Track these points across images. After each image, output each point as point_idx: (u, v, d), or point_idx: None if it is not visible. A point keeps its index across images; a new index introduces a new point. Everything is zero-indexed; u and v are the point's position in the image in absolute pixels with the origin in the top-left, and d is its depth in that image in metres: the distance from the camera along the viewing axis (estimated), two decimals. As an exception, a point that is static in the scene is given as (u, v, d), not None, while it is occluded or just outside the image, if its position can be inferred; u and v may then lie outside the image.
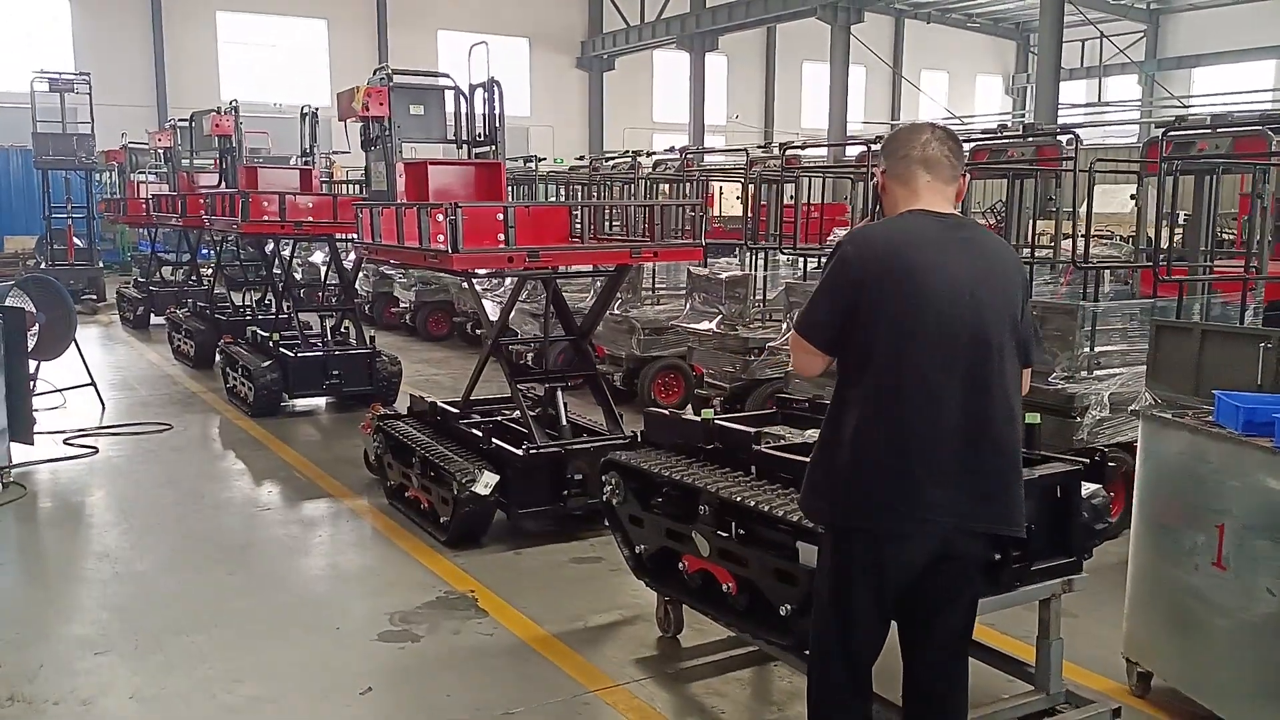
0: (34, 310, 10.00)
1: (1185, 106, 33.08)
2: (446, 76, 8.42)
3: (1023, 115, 43.82)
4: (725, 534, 4.19)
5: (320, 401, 10.63)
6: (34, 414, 9.70)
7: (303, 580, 6.13)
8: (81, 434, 9.38)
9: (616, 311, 10.19)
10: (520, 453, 6.34)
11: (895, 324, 2.93)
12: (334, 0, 34.57)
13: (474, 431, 6.89)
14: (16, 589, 6.02)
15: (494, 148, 8.01)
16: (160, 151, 15.08)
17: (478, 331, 13.96)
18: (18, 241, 25.07)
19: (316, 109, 11.48)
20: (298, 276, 14.91)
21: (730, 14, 32.29)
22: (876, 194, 3.27)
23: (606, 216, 11.89)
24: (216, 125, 10.90)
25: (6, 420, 7.86)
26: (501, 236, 6.15)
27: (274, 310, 12.80)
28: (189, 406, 10.75)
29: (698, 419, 4.69)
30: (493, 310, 13.16)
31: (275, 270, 12.17)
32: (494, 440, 6.59)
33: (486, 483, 6.30)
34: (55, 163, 18.36)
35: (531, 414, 6.68)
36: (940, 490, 2.91)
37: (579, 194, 14.14)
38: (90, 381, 10.58)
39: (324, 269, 17.22)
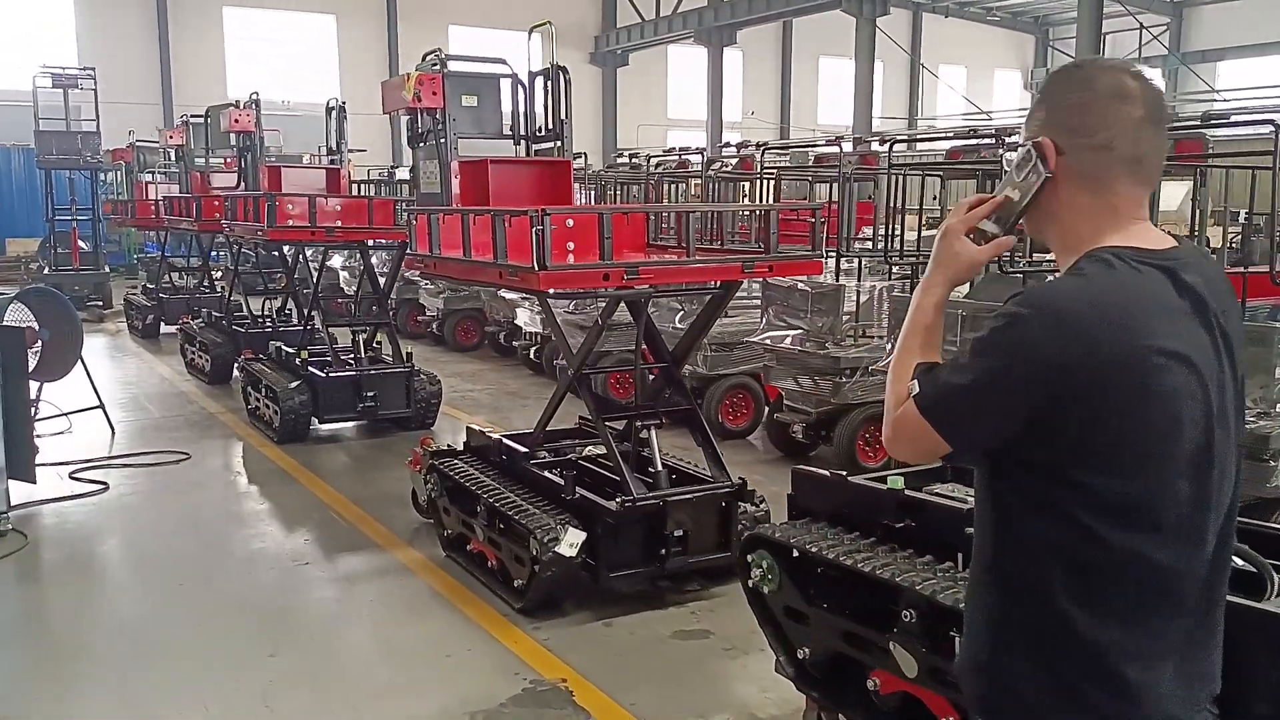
0: (36, 326, 8.99)
1: (1215, 100, 32.07)
2: (503, 63, 7.39)
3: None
4: (938, 652, 3.16)
5: (349, 423, 9.58)
6: (36, 444, 8.69)
7: (359, 661, 5.08)
8: (89, 466, 8.34)
9: (678, 324, 9.14)
10: (613, 506, 5.30)
11: (1130, 456, 1.76)
12: (342, -5, 33.57)
13: (549, 475, 5.85)
14: (18, 675, 4.98)
15: (558, 144, 6.99)
16: (171, 150, 14.01)
17: (514, 343, 12.92)
18: (20, 244, 24.04)
19: (344, 102, 10.43)
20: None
21: (750, 7, 31.21)
22: (1028, 195, 1.91)
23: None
24: (235, 121, 9.87)
25: (4, 456, 6.81)
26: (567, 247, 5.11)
27: (297, 321, 11.79)
28: (207, 430, 9.70)
29: (881, 486, 3.65)
30: (527, 319, 12.17)
31: (297, 277, 11.15)
32: (578, 489, 5.54)
33: (572, 542, 5.27)
34: (59, 162, 17.30)
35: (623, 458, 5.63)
36: (1170, 682, 1.82)
37: (618, 196, 13.08)
38: (98, 404, 9.54)
39: (343, 274, 16.22)
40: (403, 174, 17.86)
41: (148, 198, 15.53)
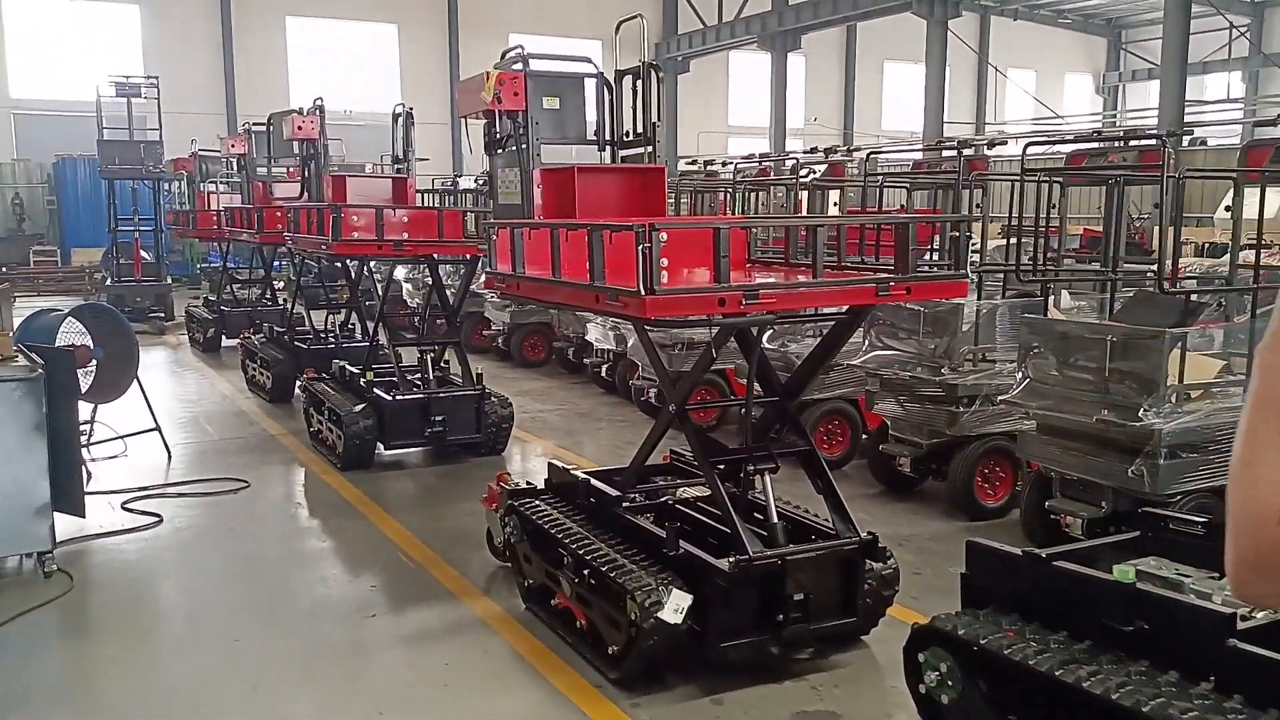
0: (91, 344, 8.49)
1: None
2: (587, 61, 6.70)
3: (1114, 116, 41.42)
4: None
5: (415, 449, 8.93)
6: (89, 469, 8.17)
7: (434, 745, 4.40)
8: (143, 494, 7.78)
9: (769, 345, 8.38)
10: (726, 566, 4.56)
11: None
12: (404, 5, 33.33)
13: (647, 525, 5.13)
14: (49, 753, 4.36)
15: (649, 149, 6.27)
16: (233, 159, 13.54)
17: (584, 360, 12.23)
18: (85, 254, 23.91)
19: (410, 109, 9.82)
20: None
21: (816, 10, 30.36)
22: None
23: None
24: (299, 128, 9.28)
25: (49, 490, 6.24)
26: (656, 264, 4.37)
27: (360, 336, 11.21)
28: (267, 454, 9.12)
29: (1103, 576, 2.87)
30: (598, 335, 11.46)
31: (360, 289, 10.58)
32: (682, 543, 4.80)
33: (677, 606, 4.54)
34: (121, 172, 16.96)
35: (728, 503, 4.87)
36: None
37: (698, 206, 12.35)
38: (155, 426, 9.00)
39: (406, 286, 15.67)
40: (466, 183, 17.29)
41: (209, 208, 15.09)
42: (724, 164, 12.65)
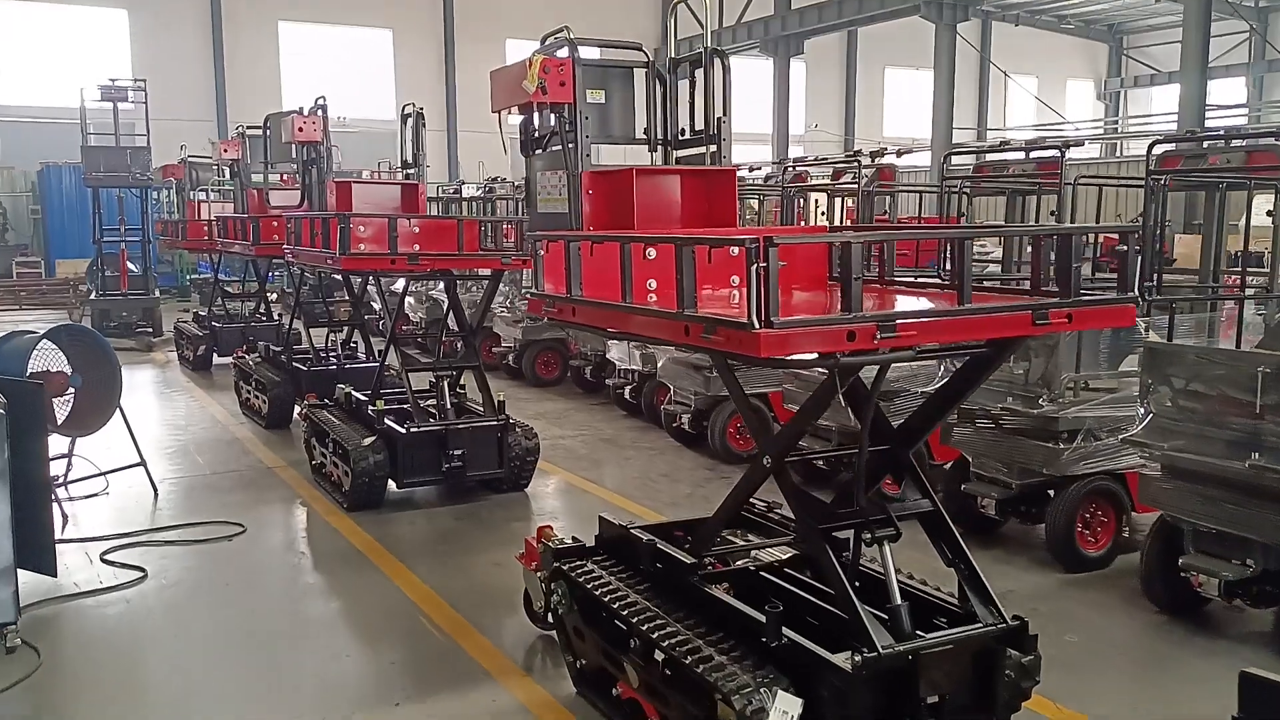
0: (68, 371, 7.53)
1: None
2: (636, 49, 5.79)
3: (1115, 121, 40.71)
4: None
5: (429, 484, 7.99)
6: (64, 511, 7.23)
7: None
8: (125, 541, 6.82)
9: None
10: (846, 665, 3.63)
11: None
12: (399, 9, 32.48)
13: (735, 602, 4.20)
14: None
15: (713, 149, 5.36)
16: (225, 165, 12.58)
17: (606, 380, 11.29)
18: (69, 266, 22.88)
19: (421, 109, 8.90)
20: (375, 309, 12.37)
21: (820, 15, 29.57)
22: None
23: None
24: (300, 130, 8.33)
25: (11, 549, 5.28)
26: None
27: (365, 356, 10.27)
28: (264, 490, 8.16)
29: None
30: (621, 354, 10.53)
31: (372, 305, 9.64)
32: (785, 631, 3.87)
33: (785, 710, 3.62)
34: (107, 180, 15.96)
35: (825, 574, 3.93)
36: None
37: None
38: (139, 460, 8.04)
39: (409, 300, 14.72)
40: (469, 190, 16.35)
41: (200, 217, 14.12)
42: (783, 167, 11.78)
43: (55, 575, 5.83)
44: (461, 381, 8.23)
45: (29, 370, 7.31)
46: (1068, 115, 39.02)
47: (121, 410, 7.83)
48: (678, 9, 5.94)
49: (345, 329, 10.56)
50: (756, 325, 3.17)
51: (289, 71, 31.01)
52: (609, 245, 4.06)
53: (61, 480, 7.73)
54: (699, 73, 5.60)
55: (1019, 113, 40.17)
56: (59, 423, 7.55)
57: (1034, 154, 8.00)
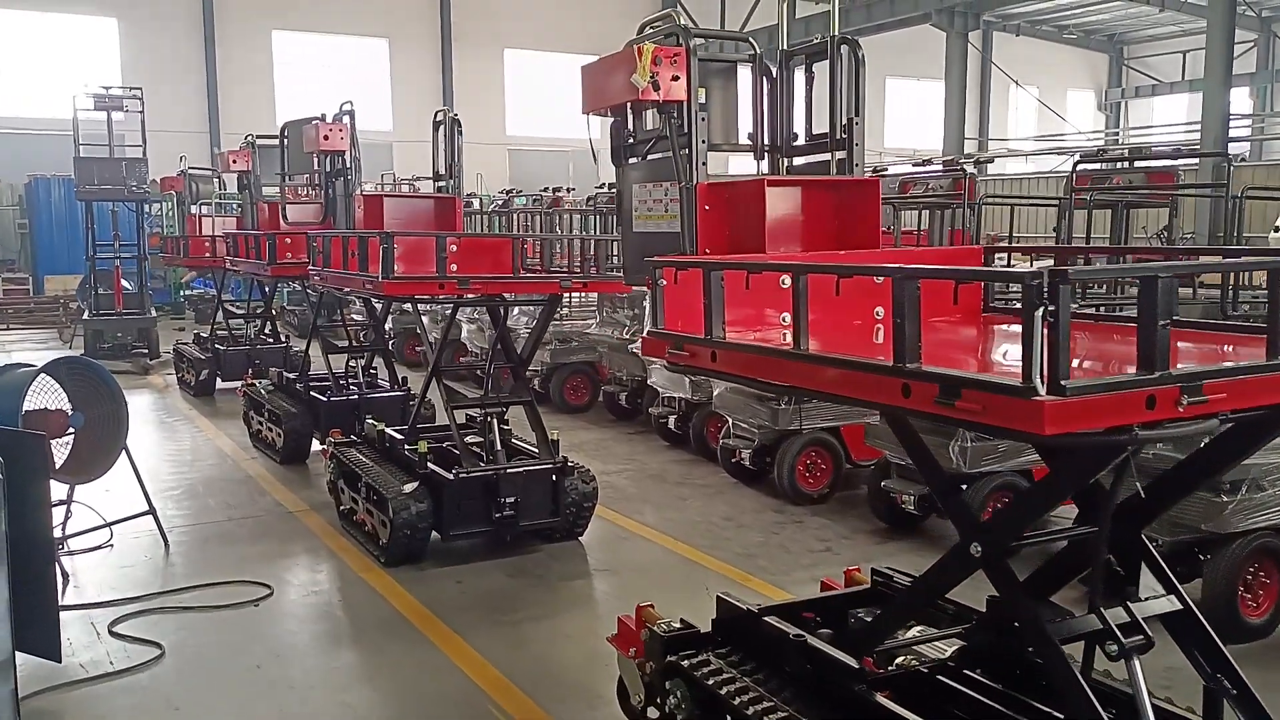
0: (68, 409, 6.65)
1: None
2: (744, 41, 4.97)
3: (1116, 133, 40.16)
4: None
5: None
6: (64, 569, 6.33)
7: None
8: (135, 609, 5.91)
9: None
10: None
11: None
12: (395, 19, 31.62)
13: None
14: None
15: (842, 156, 4.53)
16: (233, 177, 11.67)
17: (649, 409, 10.40)
18: (59, 282, 21.87)
19: (455, 115, 8.04)
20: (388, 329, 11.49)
21: (826, 25, 28.70)
22: None
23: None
24: (324, 138, 7.45)
25: (10, 638, 4.38)
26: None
27: (388, 384, 9.37)
28: (288, 540, 7.26)
29: None
30: (665, 381, 9.68)
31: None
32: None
33: None
34: (101, 192, 14.98)
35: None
36: None
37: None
38: (149, 508, 7.13)
39: (424, 319, 13.84)
40: (520, 202, 15.43)
41: (201, 233, 13.20)
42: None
43: (59, 660, 4.92)
44: (505, 416, 7.36)
45: (24, 409, 6.43)
46: (1067, 126, 38.49)
47: (128, 451, 6.95)
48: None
49: (367, 354, 9.66)
50: (1041, 391, 2.31)
51: (283, 82, 30.11)
52: (814, 279, 3.17)
53: (60, 535, 6.81)
54: (817, 66, 4.79)
55: (1022, 123, 39.63)
56: (57, 467, 6.66)
57: (1139, 163, 7.22)
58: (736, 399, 8.25)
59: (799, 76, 4.89)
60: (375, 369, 9.86)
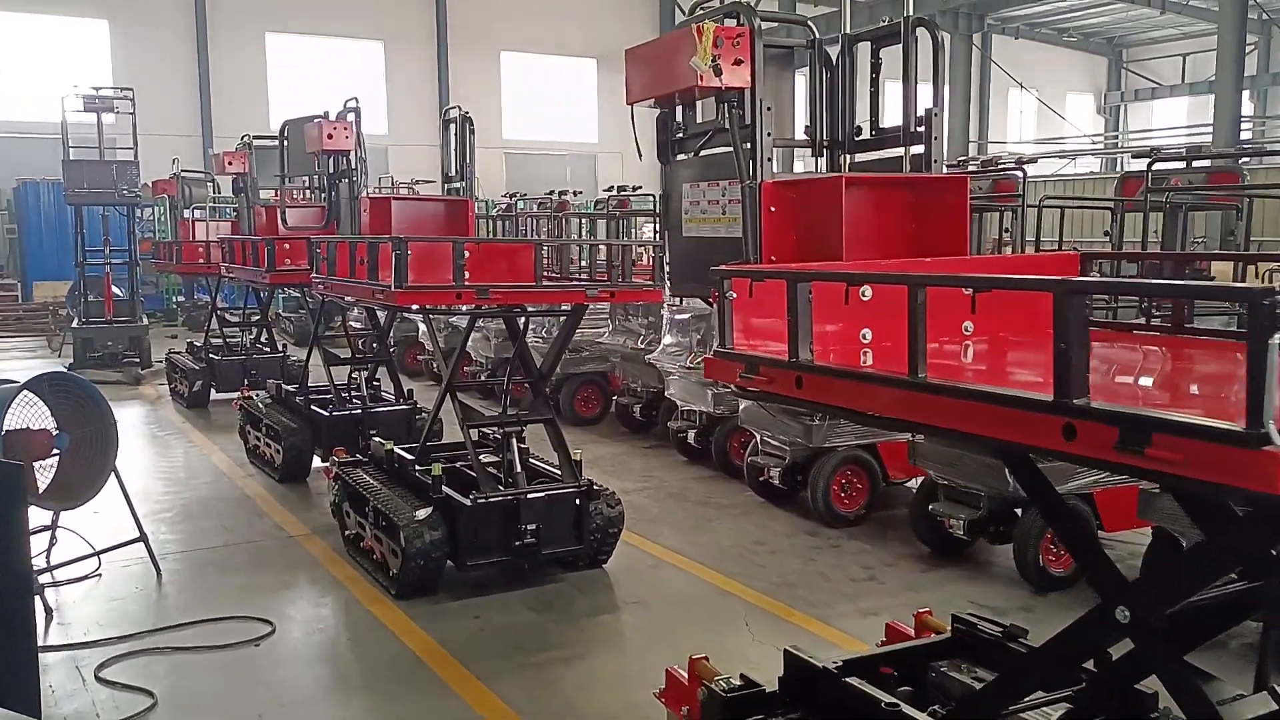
0: (52, 428, 6.15)
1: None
2: (804, 26, 4.47)
3: (1115, 136, 39.80)
4: None
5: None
6: (47, 603, 5.82)
7: None
8: (125, 649, 5.38)
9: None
10: None
11: None
12: (391, 21, 31.09)
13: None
14: None
15: (918, 152, 4.03)
16: (227, 180, 11.12)
17: (671, 425, 9.87)
18: (48, 288, 21.28)
19: (467, 113, 7.54)
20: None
21: (828, 25, 28.31)
22: None
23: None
24: (328, 138, 6.93)
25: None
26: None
27: (393, 397, 8.85)
28: (289, 569, 6.73)
29: None
30: (685, 393, 9.18)
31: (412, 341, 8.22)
32: None
33: None
34: (91, 196, 14.41)
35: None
36: None
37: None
38: (139, 535, 6.60)
39: (422, 326, 13.32)
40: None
41: (194, 238, 12.65)
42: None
43: (39, 714, 4.39)
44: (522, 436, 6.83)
45: (4, 428, 5.91)
46: (1068, 129, 38.13)
47: (117, 474, 6.42)
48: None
49: (369, 366, 9.13)
50: (1277, 440, 1.81)
51: (276, 85, 29.58)
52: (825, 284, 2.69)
53: (44, 565, 6.28)
54: (885, 53, 4.30)
55: (1021, 127, 39.27)
56: (40, 491, 6.14)
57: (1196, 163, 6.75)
58: (765, 414, 7.74)
59: (862, 64, 4.40)
60: (378, 380, 9.34)
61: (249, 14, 29.03)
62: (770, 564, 6.73)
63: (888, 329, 3.36)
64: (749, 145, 3.68)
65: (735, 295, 3.16)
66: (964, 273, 3.41)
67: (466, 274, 6.03)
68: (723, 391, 8.62)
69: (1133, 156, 7.21)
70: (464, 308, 5.91)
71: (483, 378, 10.94)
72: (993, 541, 6.56)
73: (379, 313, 9.07)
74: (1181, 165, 7.47)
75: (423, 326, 13.17)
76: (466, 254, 6.19)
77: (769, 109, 3.75)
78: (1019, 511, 6.32)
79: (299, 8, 29.41)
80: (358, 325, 12.59)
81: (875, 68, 4.35)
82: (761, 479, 7.94)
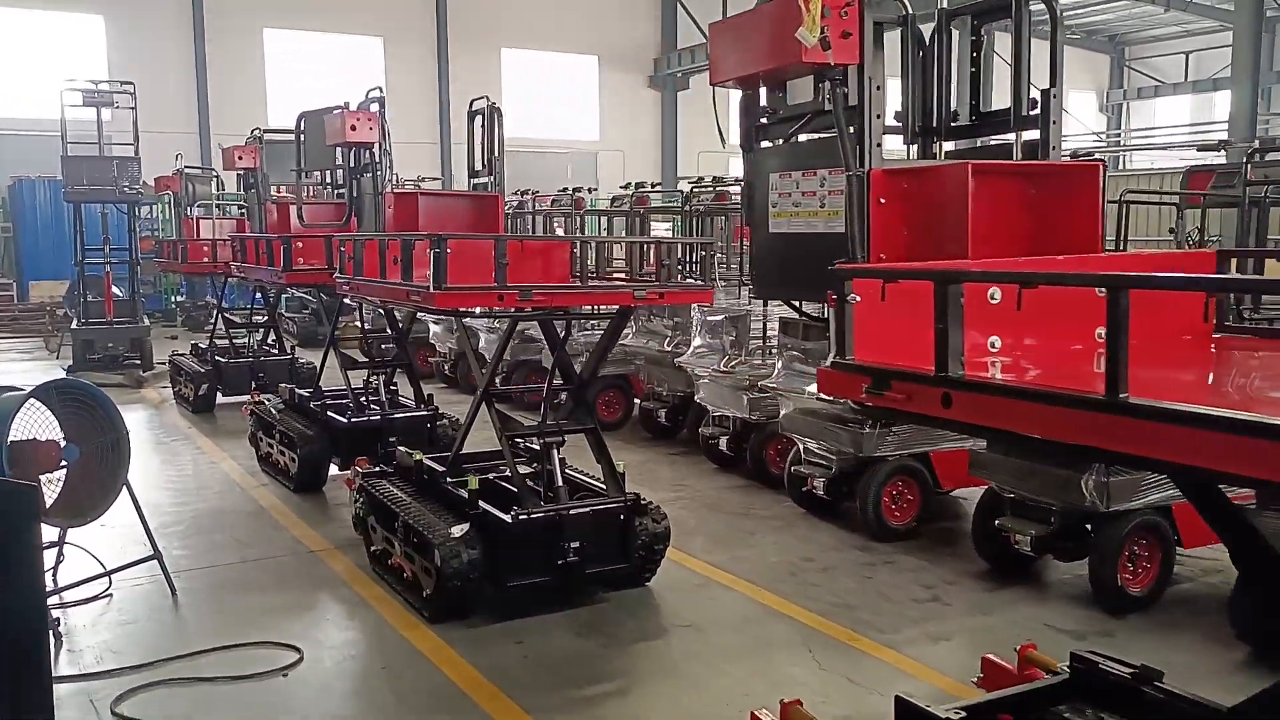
0: (60, 440, 5.72)
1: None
2: (896, 0, 4.06)
3: (1118, 134, 39.49)
4: None
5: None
6: (55, 627, 5.39)
7: None
8: (142, 679, 4.96)
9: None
10: None
11: None
12: (390, 18, 30.62)
13: None
14: None
15: (1032, 137, 3.62)
16: (233, 177, 10.68)
17: (702, 430, 9.46)
18: (46, 288, 20.79)
19: (495, 104, 7.12)
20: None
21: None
22: None
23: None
24: (351, 129, 6.51)
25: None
26: None
27: (414, 403, 8.43)
28: (313, 588, 6.30)
29: None
30: (718, 398, 8.79)
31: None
32: None
33: None
34: (91, 194, 13.94)
35: None
36: None
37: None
38: (153, 553, 6.16)
39: (435, 329, 12.91)
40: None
41: (199, 236, 12.20)
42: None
43: (52, 764, 3.96)
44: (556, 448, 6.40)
45: (9, 439, 5.47)
46: (1071, 127, 37.78)
47: (129, 488, 5.99)
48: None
49: (387, 369, 8.70)
50: None
51: (274, 81, 29.12)
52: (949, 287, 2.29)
53: (51, 585, 5.85)
54: (987, 30, 3.90)
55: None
56: (48, 507, 5.70)
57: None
58: (809, 421, 7.34)
59: (956, 43, 4.00)
60: (395, 385, 8.91)
61: (247, 9, 28.56)
62: (824, 583, 6.32)
63: (1018, 336, 2.97)
64: (855, 129, 3.28)
65: (858, 299, 2.75)
66: (1101, 271, 3.00)
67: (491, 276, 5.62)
68: (759, 397, 8.24)
69: (1198, 149, 6.81)
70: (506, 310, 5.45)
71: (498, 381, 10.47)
72: (1061, 558, 6.17)
73: (397, 315, 8.64)
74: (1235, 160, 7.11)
75: (435, 327, 12.78)
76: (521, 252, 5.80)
77: (878, 88, 3.35)
78: (1088, 526, 5.93)
79: (298, 3, 28.96)
80: (365, 324, 12.18)
81: (976, 45, 3.94)
82: (804, 489, 7.53)
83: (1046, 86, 3.64)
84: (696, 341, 9.00)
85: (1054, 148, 3.59)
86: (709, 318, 8.72)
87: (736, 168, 32.18)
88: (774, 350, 8.79)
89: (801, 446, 7.51)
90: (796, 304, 6.12)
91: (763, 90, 3.66)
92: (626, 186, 12.39)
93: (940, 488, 7.19)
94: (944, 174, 3.22)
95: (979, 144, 4.24)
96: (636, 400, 10.75)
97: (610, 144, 34.36)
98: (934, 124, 3.86)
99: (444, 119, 31.45)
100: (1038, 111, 3.68)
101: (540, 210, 12.61)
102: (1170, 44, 38.56)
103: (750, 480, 8.63)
